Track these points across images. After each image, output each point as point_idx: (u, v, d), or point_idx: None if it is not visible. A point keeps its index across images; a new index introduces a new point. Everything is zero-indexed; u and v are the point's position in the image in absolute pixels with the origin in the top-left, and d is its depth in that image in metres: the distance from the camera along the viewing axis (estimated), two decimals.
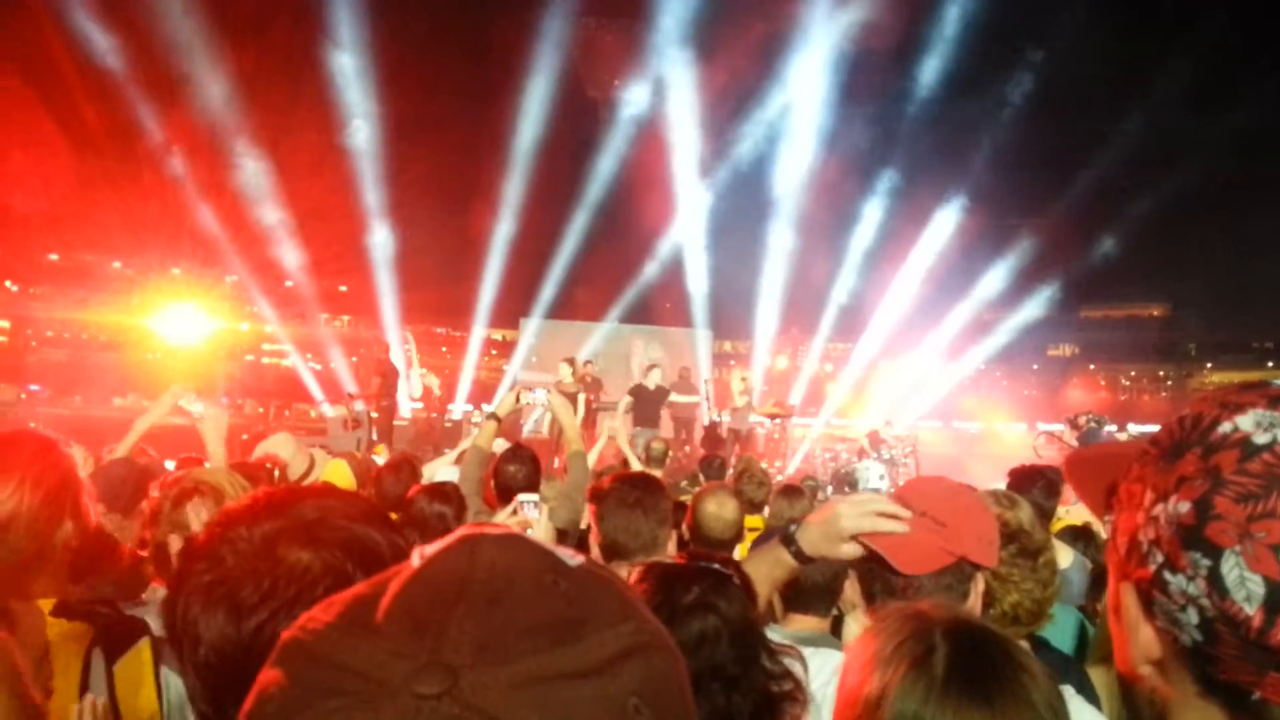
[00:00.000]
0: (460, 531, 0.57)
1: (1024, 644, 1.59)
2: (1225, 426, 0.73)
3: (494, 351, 33.31)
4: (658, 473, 5.65)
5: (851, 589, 1.98)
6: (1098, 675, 1.94)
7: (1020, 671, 1.12)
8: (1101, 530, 4.77)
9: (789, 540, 1.98)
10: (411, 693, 0.46)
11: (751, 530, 5.45)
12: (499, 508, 4.37)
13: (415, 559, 0.55)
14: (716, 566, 1.78)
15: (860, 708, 1.12)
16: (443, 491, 4.11)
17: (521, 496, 3.49)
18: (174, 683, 1.87)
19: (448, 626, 0.49)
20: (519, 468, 4.34)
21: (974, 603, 1.86)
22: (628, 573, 1.95)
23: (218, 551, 0.97)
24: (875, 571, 1.85)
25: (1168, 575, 0.72)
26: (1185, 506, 0.71)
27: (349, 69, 23.23)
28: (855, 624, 3.06)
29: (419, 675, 0.47)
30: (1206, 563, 0.69)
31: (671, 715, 0.52)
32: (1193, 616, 0.71)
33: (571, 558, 0.57)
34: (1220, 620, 0.69)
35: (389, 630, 0.50)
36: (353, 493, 1.11)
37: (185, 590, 0.96)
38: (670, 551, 2.81)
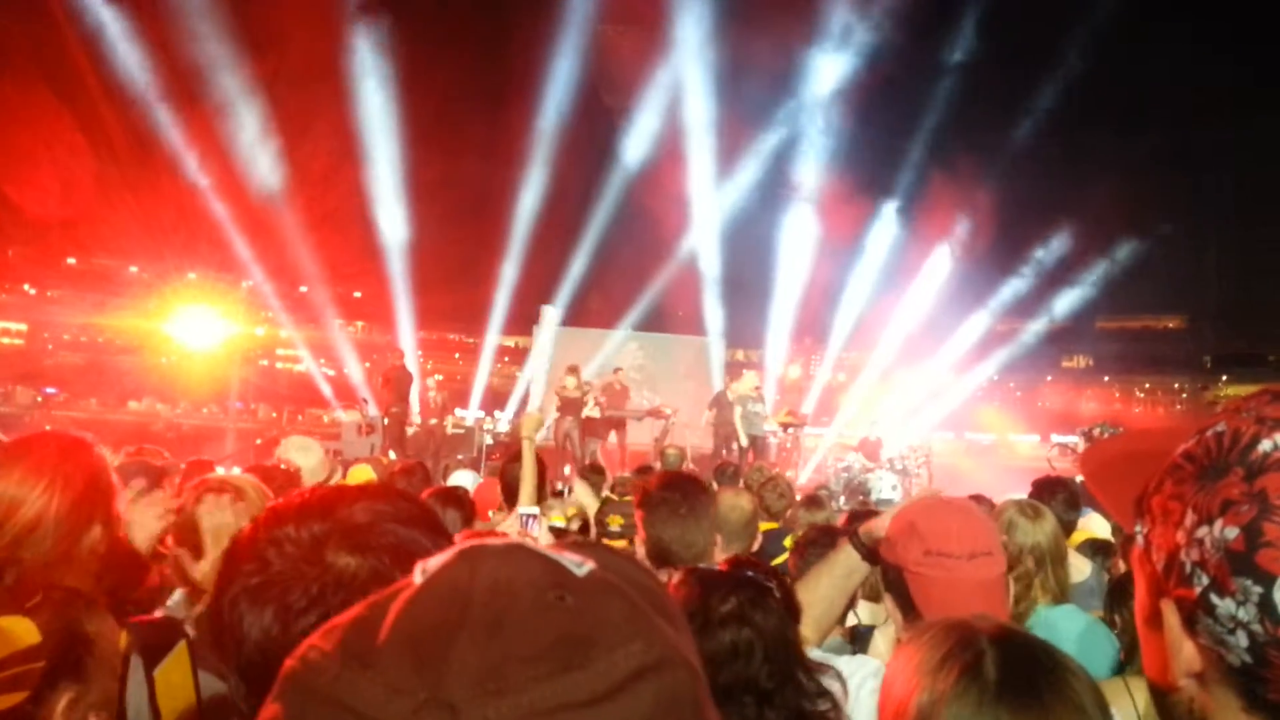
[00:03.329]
0: (461, 546, 0.55)
1: None
2: (1265, 445, 0.73)
3: (507, 359, 33.36)
4: None
5: (889, 604, 1.98)
6: (1135, 685, 1.94)
7: (1068, 674, 1.14)
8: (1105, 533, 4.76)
9: (858, 544, 2.00)
10: None
11: (769, 531, 5.51)
12: (506, 509, 4.36)
13: (417, 575, 0.53)
14: (757, 576, 1.76)
15: (911, 717, 1.13)
16: (455, 496, 4.10)
17: (521, 509, 3.44)
18: (209, 685, 1.87)
19: (449, 658, 0.47)
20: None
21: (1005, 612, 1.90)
22: (668, 576, 1.93)
23: (264, 553, 0.95)
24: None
25: (1215, 599, 0.73)
26: (1234, 533, 0.71)
27: (366, 75, 23.35)
28: (883, 638, 3.06)
29: (417, 714, 0.45)
30: (1258, 590, 0.70)
31: None
32: (1242, 640, 0.71)
33: (580, 564, 0.54)
34: (1272, 645, 0.70)
35: (388, 662, 0.48)
36: (403, 494, 1.07)
37: (232, 590, 0.95)
38: (717, 557, 2.76)
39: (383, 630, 0.49)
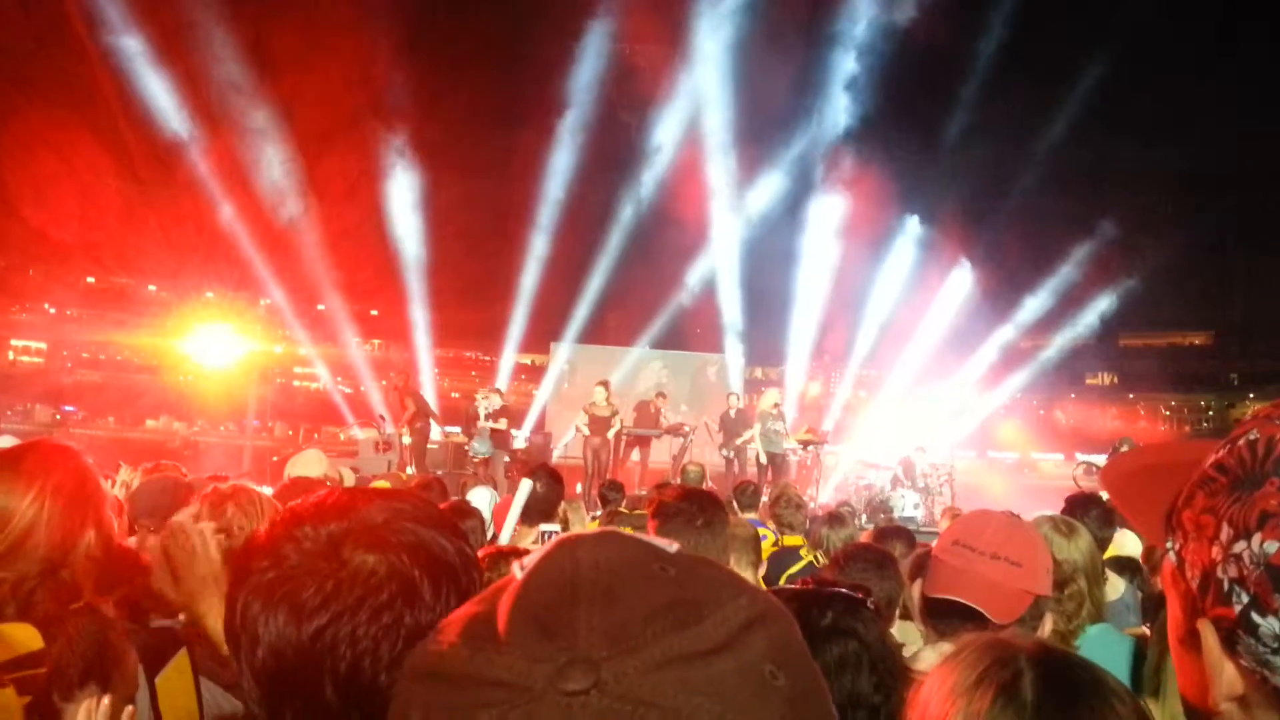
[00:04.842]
0: (556, 539, 0.57)
1: None
2: None
3: (524, 376, 33.39)
4: None
5: (920, 622, 1.96)
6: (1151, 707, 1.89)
7: (1110, 695, 1.08)
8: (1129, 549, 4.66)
9: None
10: (559, 691, 0.47)
11: (791, 547, 5.44)
12: (521, 526, 4.31)
13: (517, 571, 0.55)
14: (845, 591, 1.74)
15: None
16: (471, 509, 4.10)
17: (544, 526, 3.43)
18: (210, 693, 1.88)
19: (576, 625, 0.50)
20: (543, 486, 4.33)
21: (1045, 633, 1.91)
22: None
23: (281, 549, 0.95)
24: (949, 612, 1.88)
25: (1257, 617, 0.70)
26: (1274, 547, 0.69)
27: (384, 95, 23.52)
28: (935, 654, 2.97)
29: (563, 674, 0.48)
30: None
31: (802, 674, 0.54)
32: None
33: (668, 545, 0.57)
34: None
35: (517, 640, 0.50)
36: (420, 496, 1.07)
37: (246, 588, 0.94)
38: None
39: (500, 617, 0.52)
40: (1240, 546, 0.71)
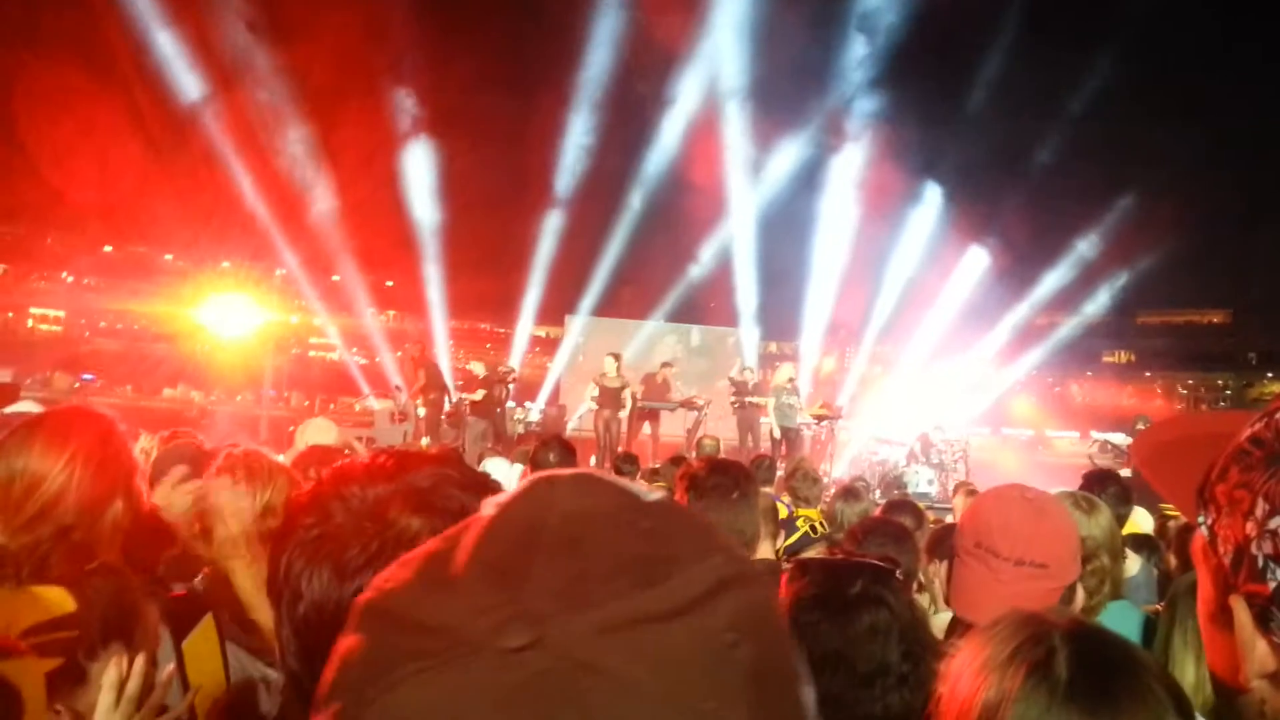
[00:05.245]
0: (533, 476, 0.55)
1: None
2: None
3: (538, 349, 33.42)
4: None
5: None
6: None
7: (1145, 673, 1.09)
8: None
9: None
10: (497, 647, 0.45)
11: (806, 521, 5.45)
12: None
13: (487, 507, 0.53)
14: (874, 561, 1.74)
15: (976, 715, 1.07)
16: (488, 483, 4.10)
17: None
18: (236, 658, 1.91)
19: (529, 575, 0.47)
20: (556, 456, 4.36)
21: (1077, 607, 1.89)
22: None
23: (328, 507, 0.95)
24: None
25: None
26: None
27: (398, 62, 23.42)
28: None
29: (503, 628, 0.45)
30: None
31: (771, 646, 0.51)
32: None
33: (649, 494, 0.54)
34: None
35: (468, 584, 0.48)
36: (465, 464, 1.08)
37: (290, 544, 0.95)
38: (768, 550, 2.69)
39: (459, 555, 0.50)
40: (1276, 522, 0.71)
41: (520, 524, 0.51)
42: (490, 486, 1.03)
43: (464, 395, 15.10)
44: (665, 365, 16.55)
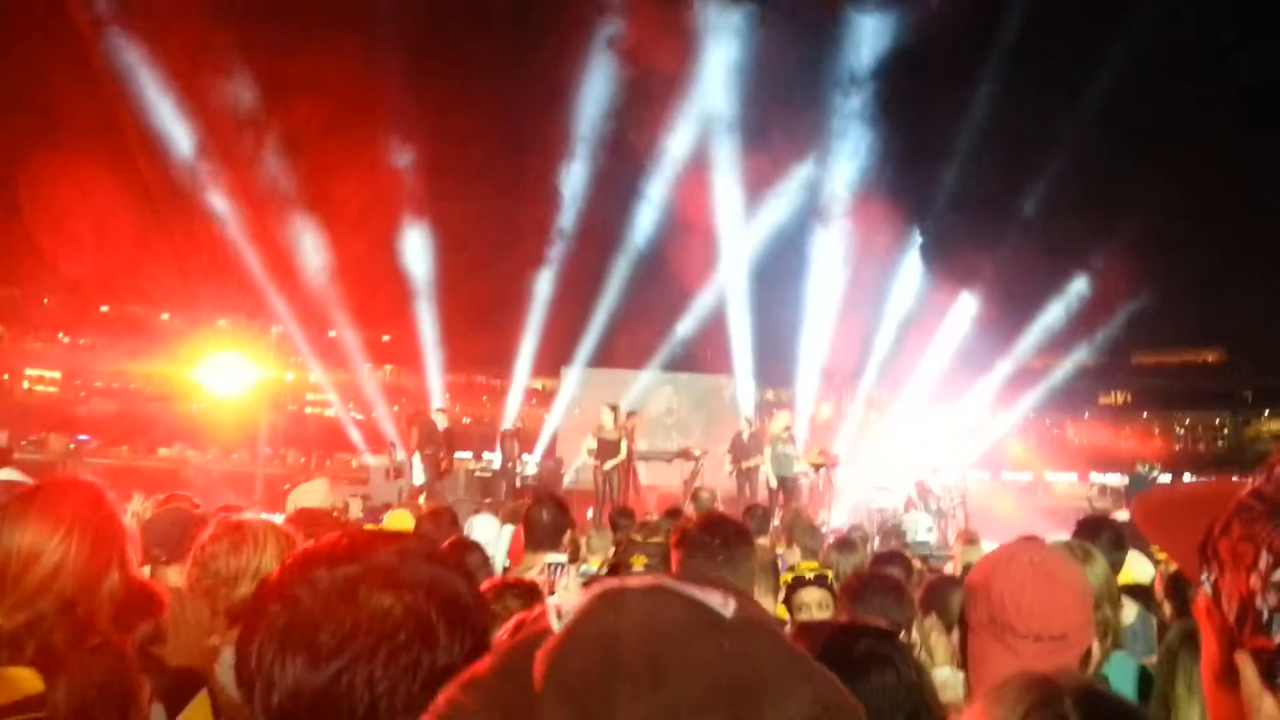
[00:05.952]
0: (600, 587, 0.52)
1: None
2: None
3: (534, 401, 33.35)
4: None
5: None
6: None
7: None
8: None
9: None
10: None
11: (809, 570, 5.41)
12: (527, 555, 4.29)
13: (554, 621, 0.50)
14: (873, 624, 1.79)
15: None
16: (472, 544, 4.08)
17: (549, 558, 3.35)
18: None
19: (615, 708, 0.44)
20: (548, 514, 4.27)
21: (1095, 661, 1.85)
22: None
23: (294, 592, 0.94)
24: None
25: None
26: None
27: (393, 122, 23.68)
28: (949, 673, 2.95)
29: None
30: None
31: None
32: None
33: (723, 604, 0.51)
34: None
35: (547, 715, 0.45)
36: (428, 538, 1.06)
37: (259, 633, 0.93)
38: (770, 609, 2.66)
39: (537, 676, 0.47)
40: None
41: (593, 643, 0.48)
42: (452, 559, 1.03)
43: (459, 453, 14.98)
44: (631, 415, 16.23)
